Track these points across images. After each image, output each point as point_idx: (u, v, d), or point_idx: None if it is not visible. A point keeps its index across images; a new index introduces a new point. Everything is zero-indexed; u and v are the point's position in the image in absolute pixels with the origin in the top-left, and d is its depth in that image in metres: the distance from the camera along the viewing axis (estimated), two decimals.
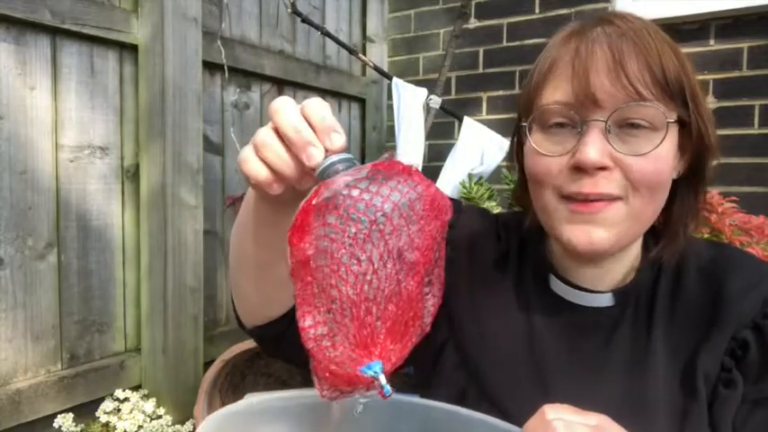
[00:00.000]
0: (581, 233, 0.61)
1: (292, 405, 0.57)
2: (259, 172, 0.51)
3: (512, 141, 0.74)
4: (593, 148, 0.58)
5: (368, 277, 0.46)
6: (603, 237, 0.61)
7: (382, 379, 0.46)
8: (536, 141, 0.64)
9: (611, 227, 0.61)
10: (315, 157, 0.48)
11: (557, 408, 0.48)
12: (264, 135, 0.51)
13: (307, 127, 0.49)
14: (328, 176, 0.48)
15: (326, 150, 0.49)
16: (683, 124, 0.61)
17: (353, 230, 0.45)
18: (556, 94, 0.62)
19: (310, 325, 0.47)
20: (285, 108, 0.50)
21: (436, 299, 0.54)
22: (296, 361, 0.68)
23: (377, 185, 0.45)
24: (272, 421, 0.57)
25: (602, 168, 0.59)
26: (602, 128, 0.59)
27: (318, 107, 0.50)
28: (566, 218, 0.62)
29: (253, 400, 0.56)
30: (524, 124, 0.65)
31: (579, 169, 0.60)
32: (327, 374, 0.48)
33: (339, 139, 0.49)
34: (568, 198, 0.62)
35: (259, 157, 0.51)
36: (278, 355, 0.76)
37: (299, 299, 0.47)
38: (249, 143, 0.52)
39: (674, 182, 0.65)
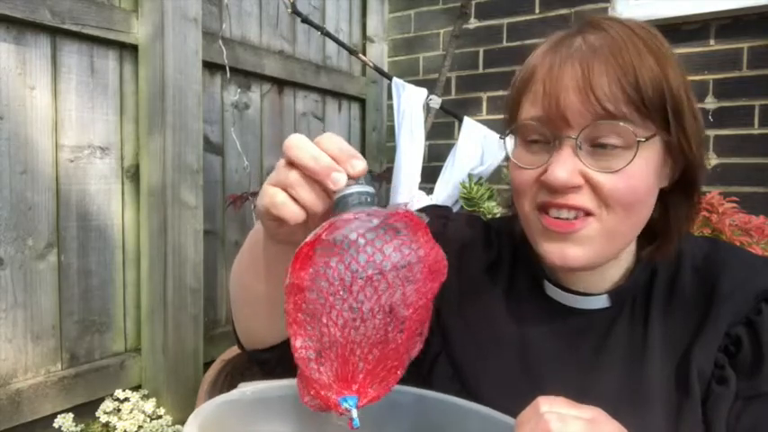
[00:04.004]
0: (555, 250, 0.62)
1: (287, 394, 0.57)
2: (297, 214, 0.52)
3: (506, 147, 0.75)
4: (563, 168, 0.59)
5: (356, 323, 0.48)
6: (578, 254, 0.61)
7: (354, 413, 0.49)
8: (516, 154, 0.65)
9: (585, 245, 0.61)
10: (340, 180, 0.49)
11: (551, 400, 0.48)
12: (291, 176, 0.51)
13: (324, 154, 0.50)
14: (345, 205, 0.49)
15: (348, 177, 0.50)
16: (666, 138, 0.61)
17: (350, 280, 0.47)
18: (531, 110, 0.62)
19: (301, 346, 0.50)
20: (300, 142, 0.51)
21: (420, 344, 0.56)
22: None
23: (381, 241, 0.47)
24: (266, 411, 0.56)
25: (572, 187, 0.59)
26: (572, 145, 0.59)
27: (334, 138, 0.52)
28: (540, 232, 0.63)
29: (246, 389, 0.56)
30: (504, 138, 0.67)
31: (547, 186, 0.61)
32: (312, 392, 0.51)
33: (360, 164, 0.50)
34: (543, 209, 0.63)
35: (293, 198, 0.52)
36: (276, 375, 0.77)
37: (291, 318, 0.50)
38: (270, 184, 0.53)
39: (667, 191, 0.65)
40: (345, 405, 0.50)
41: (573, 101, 0.58)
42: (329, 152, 0.51)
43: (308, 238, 0.48)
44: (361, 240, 0.47)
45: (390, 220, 0.48)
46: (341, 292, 0.47)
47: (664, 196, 0.65)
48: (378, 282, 0.47)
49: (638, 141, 0.58)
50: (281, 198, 0.52)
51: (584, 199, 0.60)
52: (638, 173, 0.59)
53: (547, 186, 0.61)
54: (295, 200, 0.51)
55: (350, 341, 0.49)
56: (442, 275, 0.52)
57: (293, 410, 0.57)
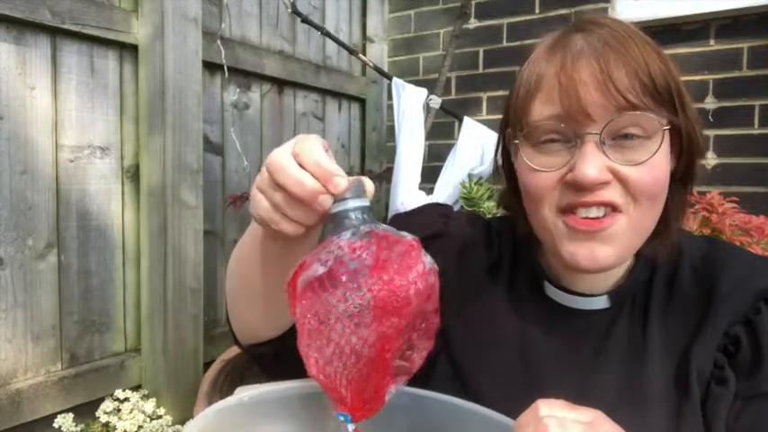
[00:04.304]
0: (585, 251, 0.61)
1: (286, 396, 0.57)
2: (294, 229, 0.54)
3: (496, 151, 0.74)
4: (591, 165, 0.58)
5: (326, 362, 0.50)
6: (609, 253, 0.61)
7: (349, 428, 0.52)
8: (529, 158, 0.63)
9: (615, 242, 0.61)
10: (325, 202, 0.51)
11: (550, 403, 0.48)
12: (278, 197, 0.52)
13: (308, 177, 0.50)
14: (339, 222, 0.50)
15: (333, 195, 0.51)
16: (674, 128, 0.61)
17: (307, 329, 0.49)
18: (545, 110, 0.61)
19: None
20: (283, 165, 0.51)
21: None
22: (291, 377, 0.69)
23: (326, 291, 0.48)
24: (267, 414, 0.56)
25: (601, 183, 0.59)
26: (596, 141, 0.59)
27: (311, 151, 0.51)
28: (566, 235, 0.62)
29: (244, 394, 0.55)
30: (516, 141, 0.65)
31: (577, 185, 0.60)
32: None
33: (342, 182, 0.50)
34: (567, 211, 0.62)
35: (289, 218, 0.53)
36: (274, 372, 0.76)
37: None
38: (258, 190, 0.54)
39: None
40: (341, 419, 0.52)
41: (593, 95, 0.58)
42: (310, 171, 0.51)
43: (291, 274, 0.50)
44: (315, 286, 0.48)
45: (350, 257, 0.48)
46: (304, 338, 0.50)
47: None
48: (328, 330, 0.49)
49: (663, 129, 0.59)
50: (277, 217, 0.53)
51: (612, 194, 0.59)
52: (659, 163, 0.60)
53: (575, 186, 0.60)
54: (291, 219, 0.53)
55: (327, 376, 0.50)
56: (406, 306, 0.51)
57: (294, 412, 0.57)
